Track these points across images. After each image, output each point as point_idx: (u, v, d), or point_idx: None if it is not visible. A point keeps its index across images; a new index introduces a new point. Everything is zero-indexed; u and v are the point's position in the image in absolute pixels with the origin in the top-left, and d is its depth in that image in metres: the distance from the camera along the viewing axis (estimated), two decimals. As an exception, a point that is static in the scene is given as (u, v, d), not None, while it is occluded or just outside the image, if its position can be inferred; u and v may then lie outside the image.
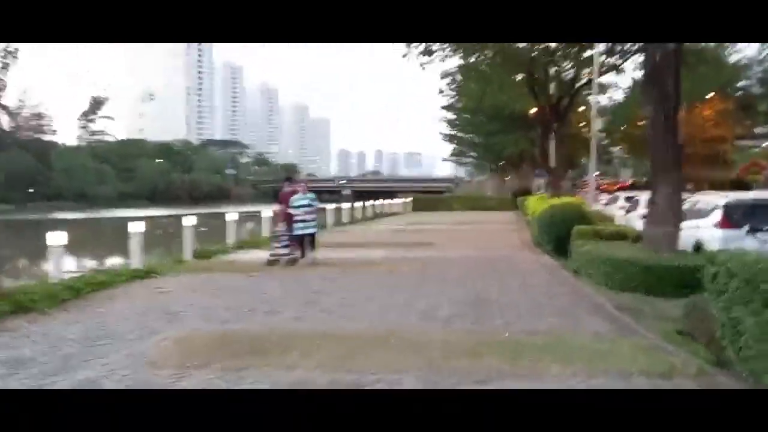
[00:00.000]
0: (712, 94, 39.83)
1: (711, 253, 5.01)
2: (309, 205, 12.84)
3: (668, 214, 10.18)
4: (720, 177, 41.59)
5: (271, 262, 12.86)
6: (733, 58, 44.79)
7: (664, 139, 10.22)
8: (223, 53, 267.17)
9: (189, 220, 14.90)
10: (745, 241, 11.48)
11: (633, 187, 47.07)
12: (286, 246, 13.02)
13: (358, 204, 32.20)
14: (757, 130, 51.25)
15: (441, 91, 29.03)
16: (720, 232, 12.18)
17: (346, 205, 31.07)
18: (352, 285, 10.23)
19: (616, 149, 67.56)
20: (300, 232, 12.79)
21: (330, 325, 7.24)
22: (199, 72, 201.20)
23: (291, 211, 12.84)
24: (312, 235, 12.94)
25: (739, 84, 47.04)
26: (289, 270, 12.15)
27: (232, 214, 17.63)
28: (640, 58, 28.42)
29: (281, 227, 13.31)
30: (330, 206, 26.91)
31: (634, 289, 9.31)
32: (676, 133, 10.27)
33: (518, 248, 16.51)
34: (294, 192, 13.21)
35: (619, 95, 51.29)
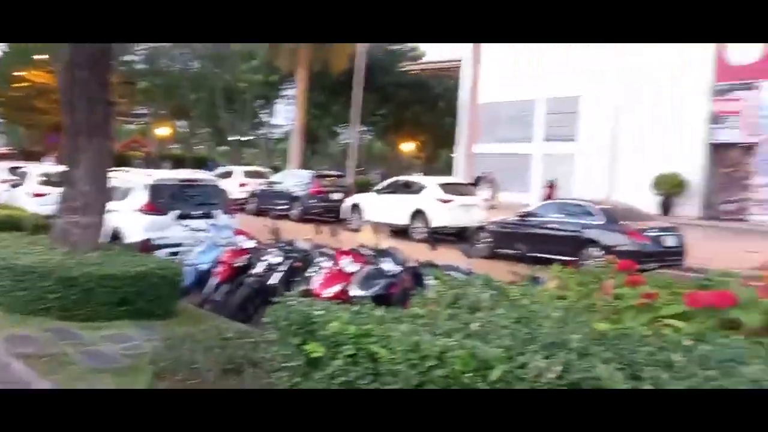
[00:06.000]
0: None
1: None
2: None
3: (94, 198, 7.20)
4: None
5: None
6: None
7: (87, 92, 7.12)
8: None
9: None
10: (172, 229, 9.83)
11: (10, 156, 40.86)
12: None
13: None
14: (137, 108, 52.22)
15: None
16: (145, 219, 10.09)
17: None
18: None
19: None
20: None
21: None
22: None
23: None
24: None
25: (124, 58, 46.43)
26: None
27: None
28: None
29: None
30: None
31: (45, 311, 6.19)
32: (106, 85, 7.32)
33: None
34: None
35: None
